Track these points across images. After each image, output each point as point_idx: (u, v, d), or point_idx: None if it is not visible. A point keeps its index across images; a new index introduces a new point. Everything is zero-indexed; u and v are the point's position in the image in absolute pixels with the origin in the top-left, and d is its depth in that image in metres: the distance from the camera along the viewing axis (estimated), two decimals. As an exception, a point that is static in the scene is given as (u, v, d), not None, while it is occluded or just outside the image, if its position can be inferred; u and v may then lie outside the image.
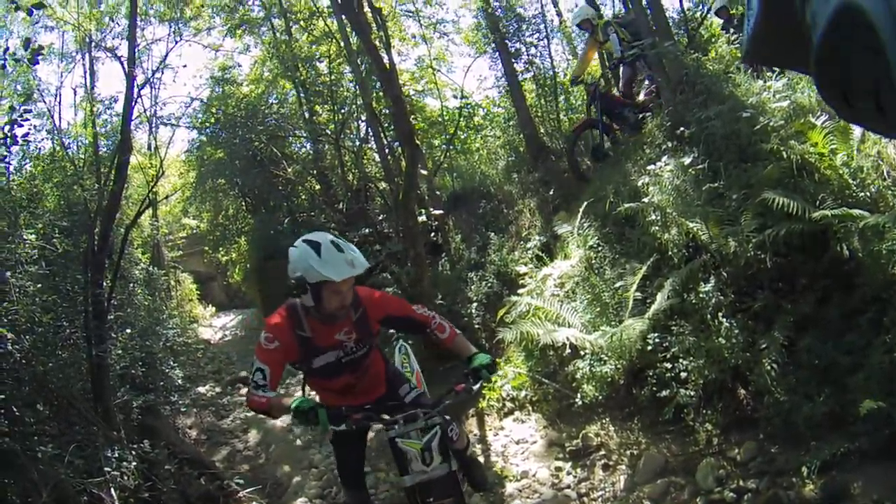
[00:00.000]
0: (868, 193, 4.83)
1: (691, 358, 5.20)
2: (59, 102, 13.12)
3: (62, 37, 13.70)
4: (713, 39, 8.49)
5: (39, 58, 5.54)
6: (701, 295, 5.45)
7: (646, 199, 6.48)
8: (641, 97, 9.09)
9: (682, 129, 6.80)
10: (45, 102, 11.90)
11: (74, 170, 9.26)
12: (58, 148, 10.95)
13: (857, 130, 5.05)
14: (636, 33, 8.53)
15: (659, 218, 6.36)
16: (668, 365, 5.41)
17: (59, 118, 13.09)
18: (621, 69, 9.49)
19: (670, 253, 6.14)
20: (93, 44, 12.26)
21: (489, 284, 9.16)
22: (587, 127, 9.44)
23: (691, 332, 5.36)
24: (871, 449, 3.87)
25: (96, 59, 12.87)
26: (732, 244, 5.38)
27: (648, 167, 6.95)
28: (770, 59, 1.17)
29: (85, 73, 14.04)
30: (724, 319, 5.15)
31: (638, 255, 6.51)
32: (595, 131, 9.42)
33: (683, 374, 5.27)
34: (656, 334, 5.64)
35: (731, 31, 8.55)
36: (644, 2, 8.32)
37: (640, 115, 8.54)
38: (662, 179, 6.58)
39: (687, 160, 6.43)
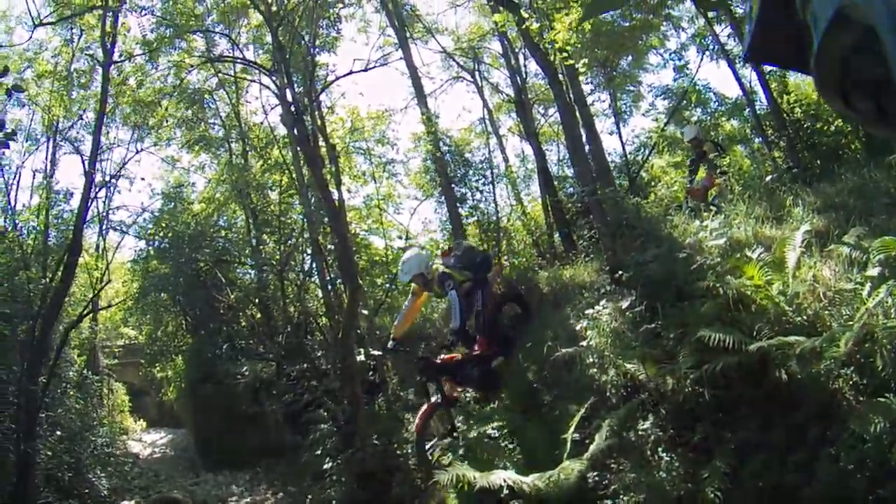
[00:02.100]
0: (805, 317, 4.98)
1: (632, 493, 5.10)
2: (18, 183, 12.94)
3: (31, 117, 13.84)
4: (654, 182, 8.94)
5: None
6: (640, 432, 5.42)
7: (584, 343, 6.58)
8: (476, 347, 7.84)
9: (620, 272, 7.03)
10: (3, 178, 11.98)
11: (22, 255, 9.16)
12: (10, 228, 10.78)
13: (791, 259, 5.32)
14: (469, 266, 7.93)
15: (597, 360, 6.41)
16: (609, 502, 5.28)
17: (15, 199, 12.94)
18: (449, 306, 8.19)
19: (608, 394, 6.13)
20: (58, 131, 12.35)
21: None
22: (431, 415, 7.59)
23: (631, 468, 5.28)
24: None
25: (60, 146, 12.90)
26: (670, 381, 5.42)
27: (587, 311, 7.10)
28: (770, 60, 1.19)
29: (46, 159, 14.05)
30: (664, 454, 5.11)
31: (576, 397, 6.46)
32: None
33: (625, 511, 5.15)
34: (596, 473, 5.53)
35: (702, 165, 9.12)
36: (587, 147, 8.76)
37: (486, 365, 7.61)
38: (601, 322, 6.70)
39: (625, 303, 6.61)
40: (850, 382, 4.37)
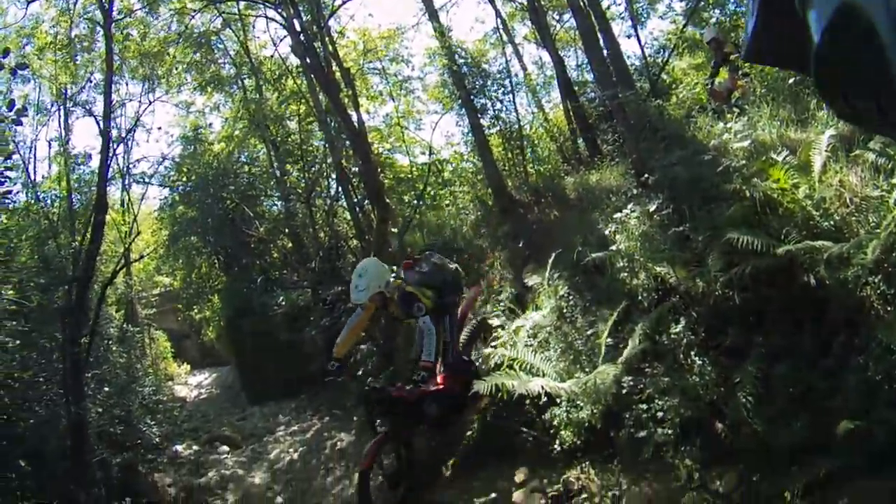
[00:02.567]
0: (832, 222, 4.98)
1: (666, 397, 5.23)
2: (34, 155, 13.19)
3: (38, 89, 13.84)
4: (675, 85, 8.74)
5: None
6: (672, 336, 5.50)
7: (613, 247, 6.60)
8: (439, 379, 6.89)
9: (646, 175, 7.00)
10: (20, 155, 12.08)
11: (49, 224, 9.30)
12: (32, 202, 10.93)
13: (818, 163, 5.27)
14: (437, 285, 7.00)
15: (627, 264, 6.46)
16: (644, 406, 5.42)
17: (34, 171, 13.13)
18: (416, 332, 7.15)
19: (640, 298, 6.21)
20: (68, 98, 12.34)
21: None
22: (379, 450, 6.50)
23: (665, 372, 5.39)
24: (852, 468, 3.93)
25: (71, 112, 12.94)
26: (700, 284, 5.48)
27: (615, 215, 7.10)
28: (770, 60, 1.19)
29: (60, 126, 14.22)
30: (697, 357, 5.21)
31: (608, 301, 6.54)
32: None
33: (660, 414, 5.28)
34: (630, 377, 5.63)
35: (724, 66, 8.88)
36: (605, 52, 8.58)
37: (446, 403, 6.83)
38: (629, 226, 6.72)
39: (652, 206, 6.59)
40: (878, 291, 4.39)
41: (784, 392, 4.54)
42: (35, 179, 12.44)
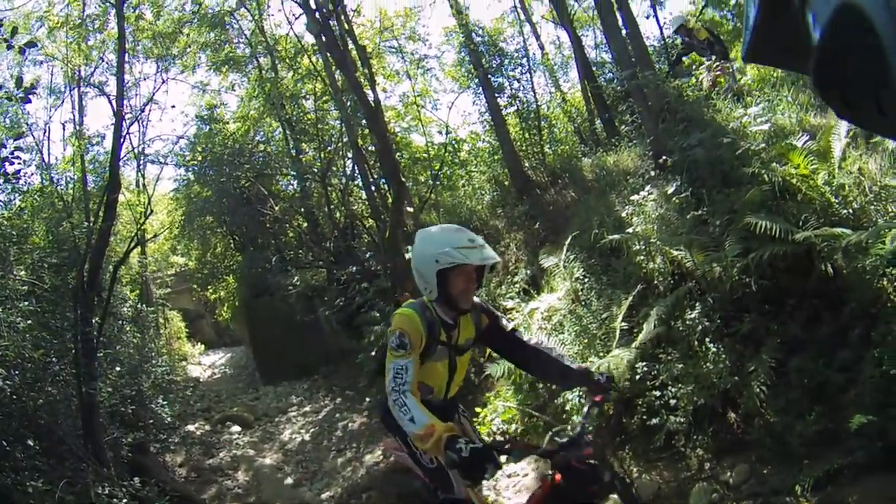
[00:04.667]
0: (850, 210, 4.88)
1: (680, 385, 5.18)
2: (48, 137, 13.21)
3: (51, 71, 13.75)
4: (694, 66, 8.55)
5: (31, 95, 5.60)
6: (687, 322, 5.43)
7: (630, 230, 6.54)
8: None
9: (664, 157, 6.89)
10: (33, 137, 12.03)
11: (63, 205, 9.32)
12: (46, 183, 11.00)
13: (837, 149, 5.15)
14: None
15: (644, 247, 6.36)
16: (657, 392, 5.38)
17: (48, 153, 13.17)
18: None
19: (656, 282, 6.14)
20: (81, 79, 12.33)
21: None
22: None
23: (679, 359, 5.33)
24: (865, 463, 3.84)
25: (85, 93, 12.94)
26: (717, 269, 5.38)
27: (632, 197, 7.03)
28: (769, 60, 1.19)
29: (73, 108, 14.15)
30: (712, 345, 5.14)
31: (624, 285, 6.48)
32: None
33: (673, 401, 5.24)
34: (644, 363, 5.60)
35: (697, 51, 8.66)
36: (623, 32, 8.43)
37: None
38: (646, 209, 6.65)
39: (670, 189, 6.50)
40: (895, 283, 4.31)
41: (799, 383, 4.47)
42: (49, 161, 12.44)
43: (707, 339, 5.23)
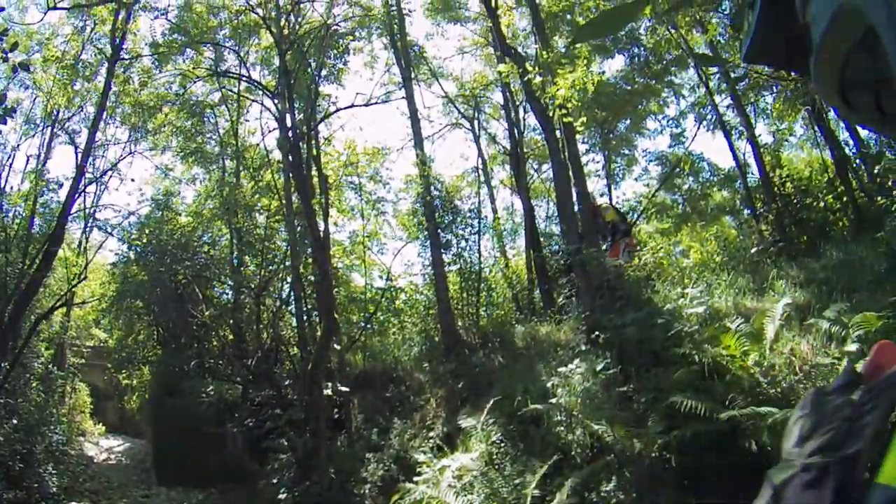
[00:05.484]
0: (779, 389, 4.97)
1: (590, 559, 4.98)
2: (11, 164, 12.83)
3: (33, 100, 13.71)
4: (639, 248, 8.91)
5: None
6: (602, 494, 5.35)
7: (553, 400, 6.55)
8: None
9: (597, 333, 7.01)
10: None
11: (5, 237, 9.04)
12: None
13: (770, 331, 5.34)
14: None
15: (565, 419, 6.39)
16: (565, 566, 5.16)
17: (6, 180, 12.78)
18: None
19: (573, 453, 6.10)
20: (57, 120, 12.29)
21: (386, 468, 8.90)
22: None
23: (591, 530, 5.17)
24: None
25: (56, 135, 12.83)
26: (637, 445, 5.39)
27: (560, 369, 7.08)
28: (769, 61, 1.17)
29: (42, 145, 13.96)
30: (625, 519, 5.00)
31: (540, 453, 6.44)
32: None
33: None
34: (554, 535, 5.42)
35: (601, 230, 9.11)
36: (576, 207, 8.75)
37: None
38: (572, 381, 6.69)
39: (599, 365, 6.59)
40: (822, 460, 4.30)
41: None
42: (4, 188, 12.17)
43: (622, 513, 5.09)
